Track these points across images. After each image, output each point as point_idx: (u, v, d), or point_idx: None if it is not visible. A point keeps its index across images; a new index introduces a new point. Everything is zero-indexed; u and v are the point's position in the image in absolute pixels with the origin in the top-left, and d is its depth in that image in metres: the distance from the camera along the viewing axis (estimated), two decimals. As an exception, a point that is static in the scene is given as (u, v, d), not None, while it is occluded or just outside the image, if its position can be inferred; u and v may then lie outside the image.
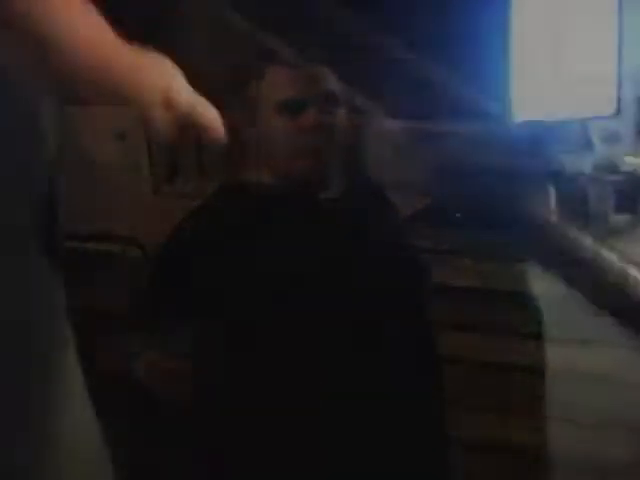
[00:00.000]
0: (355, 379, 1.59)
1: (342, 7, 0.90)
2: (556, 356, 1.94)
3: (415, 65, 0.91)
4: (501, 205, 0.87)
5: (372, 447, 1.59)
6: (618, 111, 3.28)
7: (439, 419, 1.64)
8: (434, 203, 0.81)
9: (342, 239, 1.76)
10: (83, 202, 0.96)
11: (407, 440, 1.61)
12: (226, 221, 1.73)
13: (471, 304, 1.77)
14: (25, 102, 1.01)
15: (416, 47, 0.91)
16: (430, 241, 0.90)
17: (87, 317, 1.22)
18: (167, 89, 0.91)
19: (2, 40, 0.97)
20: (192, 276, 1.67)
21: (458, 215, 0.87)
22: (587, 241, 0.87)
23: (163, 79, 0.92)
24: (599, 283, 0.85)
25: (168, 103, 0.91)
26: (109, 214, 2.13)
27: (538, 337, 2.12)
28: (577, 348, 2.25)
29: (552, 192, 3.09)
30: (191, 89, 0.94)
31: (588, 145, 3.23)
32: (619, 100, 3.29)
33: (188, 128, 0.92)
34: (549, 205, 3.04)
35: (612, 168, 3.19)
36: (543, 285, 2.49)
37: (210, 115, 0.93)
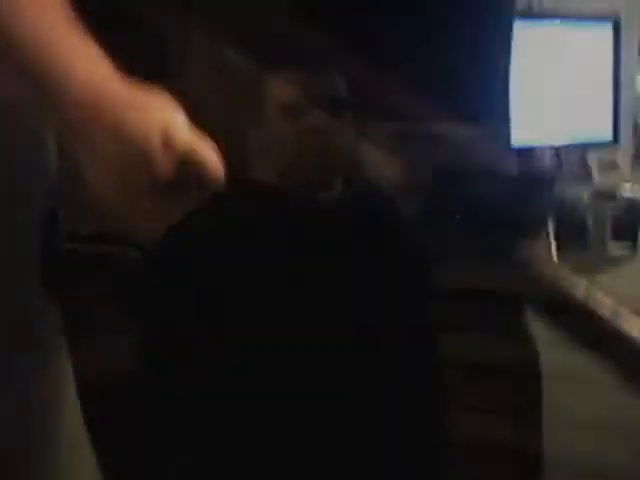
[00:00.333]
0: (355, 381, 1.59)
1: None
2: (554, 356, 1.94)
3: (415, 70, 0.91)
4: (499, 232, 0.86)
5: (369, 452, 1.59)
6: (616, 140, 3.30)
7: (439, 423, 1.63)
8: (434, 204, 0.81)
9: (343, 239, 1.77)
10: (83, 202, 0.96)
11: (406, 444, 1.61)
12: (226, 221, 1.73)
13: (471, 305, 1.76)
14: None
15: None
16: (430, 241, 0.90)
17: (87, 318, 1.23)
18: (167, 127, 0.91)
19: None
20: (191, 277, 1.67)
21: (458, 217, 0.86)
22: (581, 283, 0.87)
23: (163, 117, 0.92)
24: (590, 329, 0.84)
25: (167, 141, 0.90)
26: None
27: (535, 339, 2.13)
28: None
29: (551, 220, 3.09)
30: (191, 127, 0.92)
31: (586, 173, 3.24)
32: (617, 129, 3.31)
33: (187, 167, 0.90)
34: (547, 235, 3.05)
35: (610, 196, 3.20)
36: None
37: (209, 155, 0.93)
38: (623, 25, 3.33)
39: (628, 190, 3.22)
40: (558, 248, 3.07)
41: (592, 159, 3.28)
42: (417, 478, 1.63)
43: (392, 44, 0.98)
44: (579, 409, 2.11)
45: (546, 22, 3.11)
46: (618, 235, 3.17)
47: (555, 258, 3.03)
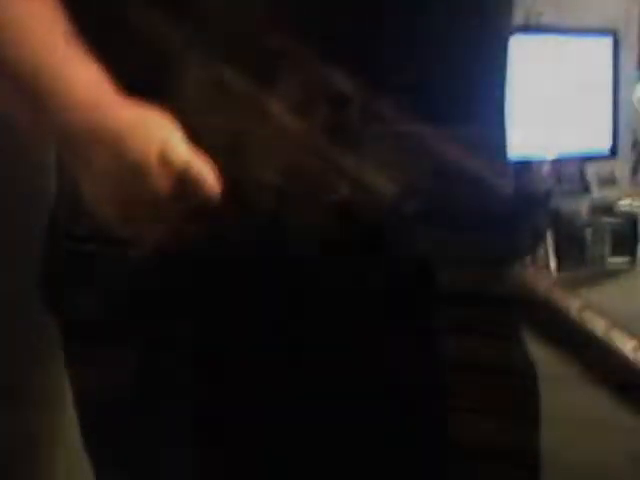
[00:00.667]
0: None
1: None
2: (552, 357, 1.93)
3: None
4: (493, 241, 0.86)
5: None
6: (614, 153, 3.31)
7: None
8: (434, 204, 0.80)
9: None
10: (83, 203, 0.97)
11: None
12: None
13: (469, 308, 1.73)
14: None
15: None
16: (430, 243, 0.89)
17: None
18: (164, 144, 0.90)
19: None
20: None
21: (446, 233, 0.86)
22: (575, 302, 0.87)
23: (160, 134, 0.91)
24: (582, 348, 0.84)
25: (164, 158, 0.89)
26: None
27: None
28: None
29: (549, 233, 3.09)
30: (187, 145, 0.93)
31: (585, 187, 3.24)
32: (615, 142, 3.32)
33: (183, 184, 0.90)
34: (546, 250, 3.05)
35: (609, 210, 3.20)
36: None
37: (206, 172, 0.92)
38: (622, 39, 3.33)
39: (627, 204, 3.22)
40: (557, 261, 3.07)
41: (591, 173, 3.28)
42: None
43: (388, 62, 0.97)
44: (578, 409, 2.10)
45: (545, 35, 3.12)
46: (617, 249, 3.17)
47: (554, 271, 3.04)
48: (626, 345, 0.85)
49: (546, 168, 3.13)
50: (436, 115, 1.00)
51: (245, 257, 1.00)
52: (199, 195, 0.90)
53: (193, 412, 1.07)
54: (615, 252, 3.20)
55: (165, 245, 0.94)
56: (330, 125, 0.91)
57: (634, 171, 3.46)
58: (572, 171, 3.24)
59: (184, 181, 0.90)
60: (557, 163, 3.17)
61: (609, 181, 3.32)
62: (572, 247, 3.16)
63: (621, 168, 3.36)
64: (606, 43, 3.32)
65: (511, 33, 1.14)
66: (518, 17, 1.12)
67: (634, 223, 3.21)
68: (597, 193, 3.28)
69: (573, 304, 0.87)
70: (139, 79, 0.95)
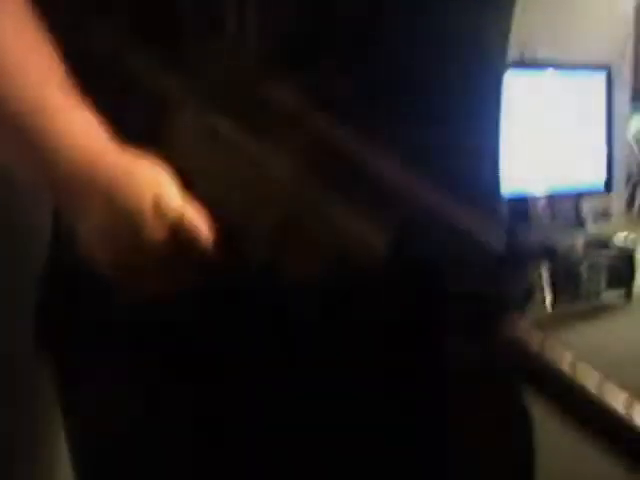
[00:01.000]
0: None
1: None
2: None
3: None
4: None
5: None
6: (609, 188, 3.31)
7: None
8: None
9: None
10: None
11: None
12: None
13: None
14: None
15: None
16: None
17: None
18: (158, 194, 0.91)
19: None
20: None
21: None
22: (567, 356, 0.86)
23: (155, 183, 0.92)
24: (575, 404, 0.83)
25: (159, 208, 0.90)
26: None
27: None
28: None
29: (545, 268, 3.08)
30: (182, 196, 0.92)
31: (580, 222, 3.24)
32: (610, 177, 3.32)
33: (178, 233, 0.90)
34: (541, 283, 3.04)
35: (604, 245, 3.20)
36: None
37: (200, 222, 0.91)
38: (615, 74, 3.35)
39: (622, 239, 3.22)
40: (552, 296, 3.06)
41: (586, 208, 3.28)
42: None
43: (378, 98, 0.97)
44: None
45: (539, 70, 3.13)
46: (612, 283, 3.16)
47: (549, 306, 3.02)
48: (618, 400, 0.84)
49: (541, 203, 3.14)
50: (428, 150, 1.00)
51: (240, 305, 1.00)
52: (193, 244, 0.90)
53: (193, 459, 1.05)
54: (610, 287, 3.19)
55: (159, 293, 0.93)
56: (322, 173, 0.90)
57: (629, 206, 3.47)
58: (567, 206, 3.24)
59: (178, 230, 0.90)
60: (552, 198, 3.17)
61: (604, 216, 3.32)
62: (567, 282, 3.15)
63: (616, 203, 3.37)
64: (600, 78, 3.33)
65: (506, 68, 1.14)
66: (512, 52, 1.12)
67: (629, 258, 3.20)
68: (592, 228, 3.27)
69: (565, 358, 0.87)
70: (134, 126, 0.96)
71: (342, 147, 0.92)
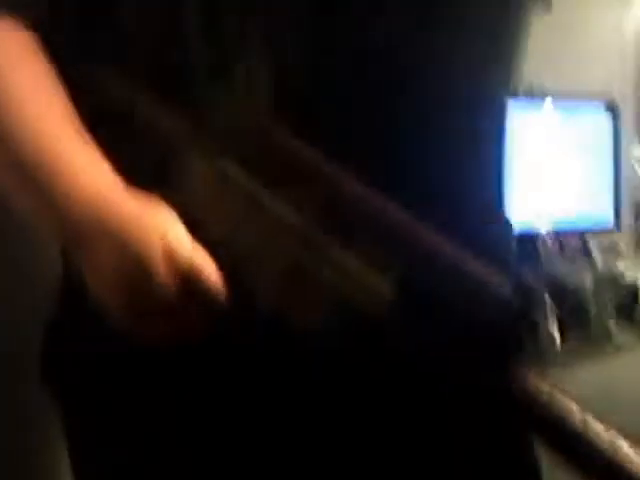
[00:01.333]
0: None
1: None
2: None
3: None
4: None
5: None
6: (617, 223, 3.30)
7: None
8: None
9: None
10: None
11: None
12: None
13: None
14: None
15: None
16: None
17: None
18: (168, 241, 0.90)
19: None
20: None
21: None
22: (576, 410, 0.85)
23: (164, 230, 0.91)
24: (586, 459, 0.82)
25: (169, 255, 0.90)
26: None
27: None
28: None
29: (552, 305, 3.07)
30: (191, 242, 0.91)
31: (588, 258, 3.23)
32: (618, 212, 3.31)
33: (187, 279, 0.90)
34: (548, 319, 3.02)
35: (613, 281, 3.18)
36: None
37: (209, 268, 0.91)
38: (620, 107, 3.34)
39: (630, 276, 3.21)
40: (561, 334, 3.04)
41: (594, 244, 3.26)
42: None
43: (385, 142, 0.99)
44: None
45: (546, 104, 3.12)
46: (621, 321, 3.15)
47: (557, 344, 3.00)
48: (629, 452, 0.83)
49: (548, 239, 3.12)
50: (430, 190, 1.00)
51: (246, 350, 1.00)
52: (202, 290, 0.90)
53: None
54: (619, 324, 3.17)
55: (167, 339, 0.93)
56: (330, 219, 0.90)
57: (637, 243, 3.45)
58: (575, 242, 3.23)
59: (188, 276, 0.90)
60: (559, 234, 3.16)
61: (612, 252, 3.30)
62: (575, 319, 3.14)
63: (624, 239, 3.35)
64: (605, 112, 3.32)
65: (508, 101, 1.14)
66: (518, 85, 1.11)
67: (638, 294, 3.19)
68: (600, 265, 3.26)
69: (575, 408, 0.86)
70: (143, 170, 0.96)
71: (350, 194, 0.92)
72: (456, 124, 1.03)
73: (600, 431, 0.85)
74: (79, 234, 0.94)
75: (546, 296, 2.96)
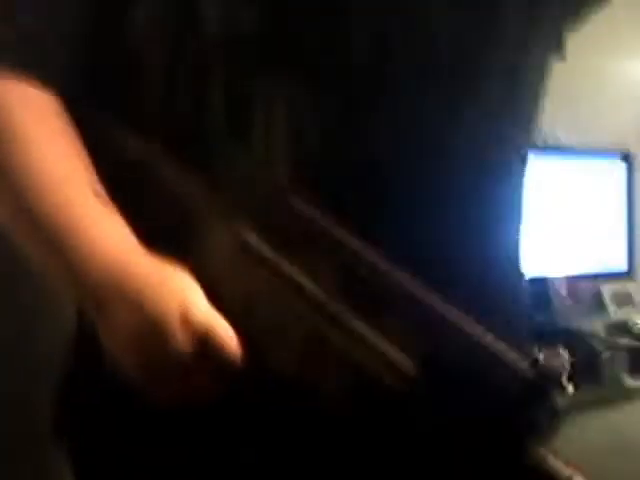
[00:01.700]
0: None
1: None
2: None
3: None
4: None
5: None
6: (630, 271, 3.30)
7: None
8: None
9: None
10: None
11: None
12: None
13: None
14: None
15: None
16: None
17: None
18: (185, 304, 0.90)
19: None
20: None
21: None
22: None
23: (181, 293, 0.91)
24: None
25: (185, 318, 0.90)
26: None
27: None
28: None
29: (565, 354, 3.06)
30: (210, 307, 0.91)
31: (601, 306, 3.22)
32: (631, 260, 3.31)
33: (204, 344, 0.90)
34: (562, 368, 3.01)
35: (625, 329, 3.18)
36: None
37: (227, 333, 0.91)
38: (636, 158, 3.35)
39: (644, 324, 3.20)
40: (573, 382, 3.03)
41: (607, 292, 3.26)
42: None
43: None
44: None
45: (559, 155, 3.14)
46: (634, 369, 3.13)
47: (570, 392, 2.99)
48: None
49: (561, 287, 3.12)
50: (450, 246, 0.99)
51: (264, 418, 0.98)
52: (219, 355, 0.90)
53: None
54: (632, 373, 3.16)
55: (182, 402, 0.92)
56: (351, 289, 0.90)
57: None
58: (588, 290, 3.23)
59: (205, 341, 0.89)
60: (573, 282, 3.16)
61: (625, 301, 3.30)
62: (588, 367, 3.13)
63: (637, 288, 3.35)
64: (620, 163, 3.34)
65: (528, 153, 1.14)
66: (534, 136, 1.12)
67: (651, 343, 3.18)
68: (613, 313, 3.25)
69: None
70: (163, 235, 0.96)
71: (370, 264, 0.91)
72: (478, 188, 1.03)
73: None
74: (96, 297, 0.94)
75: (560, 348, 2.96)
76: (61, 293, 1.10)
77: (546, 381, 0.88)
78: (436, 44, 1.00)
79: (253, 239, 0.93)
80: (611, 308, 3.26)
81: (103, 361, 0.94)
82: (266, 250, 0.92)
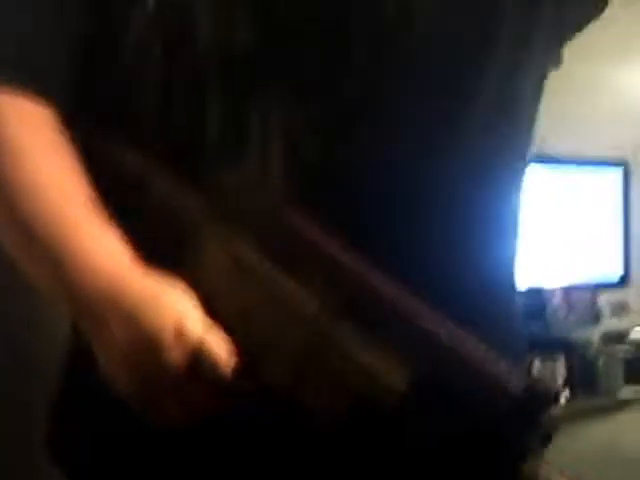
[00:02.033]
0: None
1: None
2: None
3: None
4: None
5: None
6: (626, 281, 3.31)
7: None
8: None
9: None
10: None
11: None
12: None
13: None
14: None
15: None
16: None
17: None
18: (180, 318, 0.90)
19: None
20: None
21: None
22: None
23: (177, 307, 0.91)
24: None
25: (180, 332, 0.89)
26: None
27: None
28: None
29: (561, 362, 3.07)
30: (205, 322, 0.91)
31: (596, 316, 3.23)
32: (627, 270, 3.32)
33: (198, 359, 0.89)
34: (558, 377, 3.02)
35: (621, 338, 3.18)
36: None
37: (221, 348, 0.90)
38: (632, 168, 3.36)
39: (638, 332, 3.20)
40: (568, 391, 3.03)
41: (602, 302, 3.27)
42: None
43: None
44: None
45: (556, 165, 3.14)
46: (629, 378, 3.14)
47: (565, 401, 3.00)
48: None
49: (557, 297, 3.12)
50: (449, 263, 0.99)
51: (257, 432, 0.98)
52: (213, 371, 0.89)
53: None
54: (628, 382, 3.16)
55: (177, 418, 0.92)
56: (344, 304, 0.89)
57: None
58: (583, 300, 3.23)
59: (199, 356, 0.89)
60: (568, 292, 3.16)
61: (621, 310, 3.31)
62: (584, 376, 3.13)
63: (633, 297, 3.35)
64: (616, 173, 3.34)
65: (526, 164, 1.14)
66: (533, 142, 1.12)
67: (646, 352, 3.19)
68: (609, 322, 3.26)
69: None
70: (158, 249, 0.95)
71: (362, 279, 0.90)
72: (478, 201, 1.03)
73: None
74: (93, 312, 0.93)
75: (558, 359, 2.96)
76: (55, 307, 1.10)
77: (538, 402, 0.88)
78: (436, 44, 1.01)
79: (248, 254, 0.93)
80: (606, 318, 3.27)
81: (98, 376, 0.93)
82: (261, 265, 0.92)
